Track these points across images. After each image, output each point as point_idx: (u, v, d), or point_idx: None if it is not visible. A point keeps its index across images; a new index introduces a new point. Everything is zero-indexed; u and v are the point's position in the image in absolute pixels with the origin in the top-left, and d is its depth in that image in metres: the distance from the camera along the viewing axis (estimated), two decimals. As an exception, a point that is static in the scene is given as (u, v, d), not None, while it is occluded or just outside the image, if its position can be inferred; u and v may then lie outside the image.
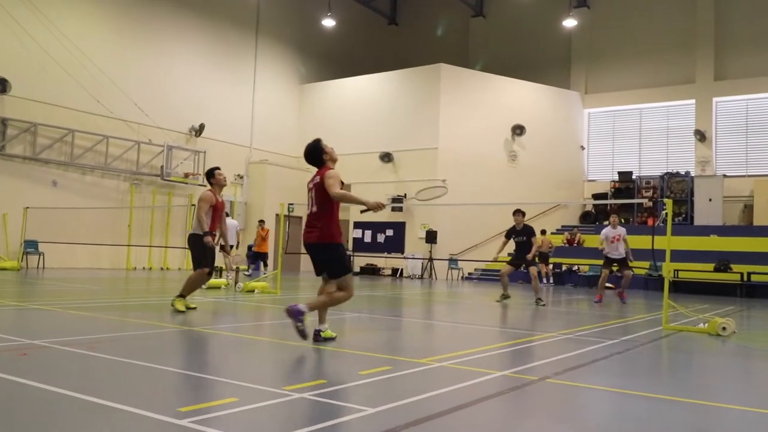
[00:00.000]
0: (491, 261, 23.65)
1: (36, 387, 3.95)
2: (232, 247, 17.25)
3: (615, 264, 13.61)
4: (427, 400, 4.03)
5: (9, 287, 12.16)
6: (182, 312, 8.34)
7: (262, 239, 18.92)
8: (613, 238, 13.37)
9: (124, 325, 7.22)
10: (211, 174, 8.97)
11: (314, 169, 6.38)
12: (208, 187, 8.97)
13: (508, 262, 12.98)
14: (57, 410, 3.52)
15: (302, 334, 5.91)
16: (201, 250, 8.54)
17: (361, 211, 6.28)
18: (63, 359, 5.00)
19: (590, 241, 23.62)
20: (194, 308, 8.76)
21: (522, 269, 13.50)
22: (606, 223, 15.36)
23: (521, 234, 12.49)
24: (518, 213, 12.63)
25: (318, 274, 6.41)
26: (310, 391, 4.09)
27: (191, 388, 4.27)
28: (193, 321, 8.10)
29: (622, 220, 25.86)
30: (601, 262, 14.30)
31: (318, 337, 6.22)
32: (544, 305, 12.09)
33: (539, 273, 15.51)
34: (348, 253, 24.68)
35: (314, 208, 6.22)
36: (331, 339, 6.31)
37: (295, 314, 5.86)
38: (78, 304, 9.05)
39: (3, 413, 3.43)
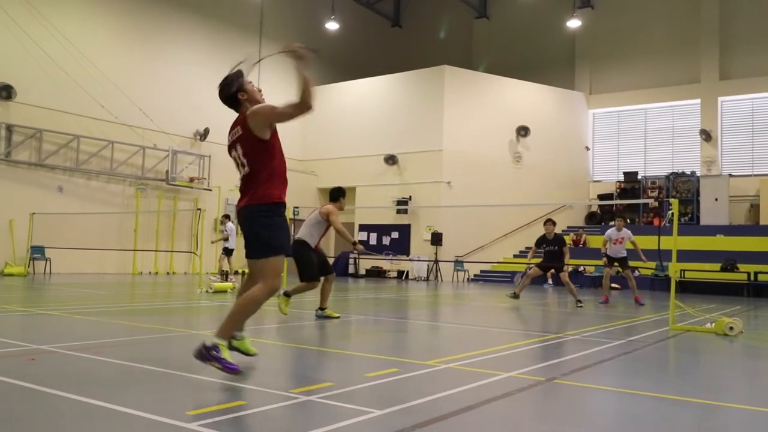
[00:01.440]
0: (498, 262, 23.72)
1: (44, 392, 3.96)
2: (232, 251, 17.35)
3: (616, 263, 13.57)
4: (434, 402, 4.02)
5: (16, 293, 12.21)
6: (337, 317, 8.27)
7: None
8: (617, 240, 13.34)
9: (130, 329, 7.23)
10: (342, 194, 8.85)
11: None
12: (329, 202, 8.76)
13: (537, 265, 12.87)
14: (65, 415, 3.53)
15: (228, 370, 4.33)
16: (309, 260, 8.38)
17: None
18: (70, 364, 5.01)
19: (596, 241, 23.59)
20: (338, 317, 8.48)
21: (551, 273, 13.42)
22: (612, 223, 15.30)
23: (553, 243, 12.36)
24: (550, 223, 12.54)
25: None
26: (317, 393, 4.09)
27: (199, 392, 4.28)
28: (200, 325, 8.12)
29: (628, 221, 25.80)
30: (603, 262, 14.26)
31: (230, 346, 4.70)
32: (582, 306, 12.01)
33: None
34: (353, 255, 24.91)
35: (246, 169, 4.76)
36: (249, 354, 4.93)
37: (206, 357, 4.33)
38: (85, 309, 9.07)
39: (11, 418, 3.44)
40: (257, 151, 4.67)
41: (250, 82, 4.98)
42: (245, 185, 4.75)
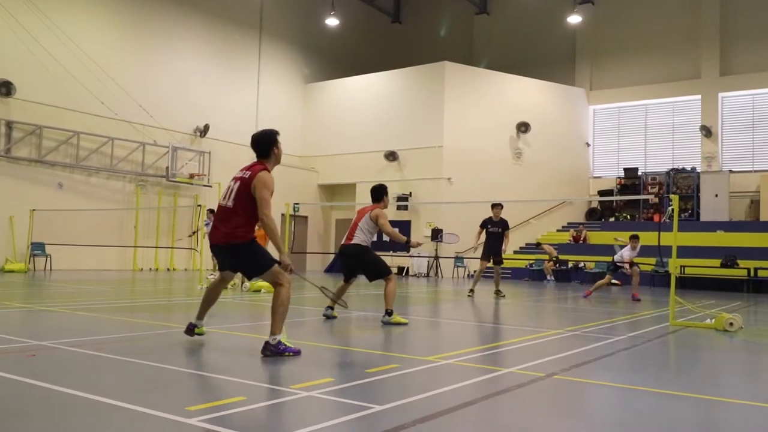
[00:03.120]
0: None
1: (45, 387, 3.97)
2: None
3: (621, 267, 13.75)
4: (434, 398, 4.03)
5: (17, 289, 12.22)
6: (406, 323, 7.99)
7: (262, 239, 18.87)
8: (629, 256, 13.50)
9: (131, 325, 7.24)
10: (385, 191, 8.47)
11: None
12: (373, 203, 8.42)
13: (481, 258, 13.61)
14: (66, 410, 3.54)
15: (294, 353, 5.33)
16: (376, 259, 8.32)
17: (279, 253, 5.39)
18: (71, 360, 5.02)
19: (596, 238, 23.60)
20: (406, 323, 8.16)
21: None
22: (618, 239, 15.32)
23: (497, 225, 13.24)
24: (498, 206, 13.33)
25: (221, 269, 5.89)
26: (317, 389, 4.10)
27: (199, 388, 4.29)
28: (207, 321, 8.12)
29: (627, 217, 25.83)
30: (608, 259, 14.32)
31: (191, 332, 5.98)
32: (504, 296, 12.89)
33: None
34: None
35: (230, 203, 5.46)
36: (201, 335, 6.05)
37: (275, 352, 5.28)
38: (85, 306, 9.08)
39: (13, 413, 3.45)
40: (244, 199, 5.41)
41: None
42: (223, 216, 5.52)
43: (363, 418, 3.47)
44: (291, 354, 5.29)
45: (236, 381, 4.39)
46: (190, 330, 6.02)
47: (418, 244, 8.86)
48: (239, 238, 5.37)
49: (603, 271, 20.62)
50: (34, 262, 18.72)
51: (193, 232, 17.62)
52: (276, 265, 5.39)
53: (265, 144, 5.64)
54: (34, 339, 5.88)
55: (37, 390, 3.93)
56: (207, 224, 17.52)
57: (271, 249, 5.77)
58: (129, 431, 3.20)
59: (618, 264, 13.72)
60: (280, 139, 5.74)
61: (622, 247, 13.96)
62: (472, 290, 13.49)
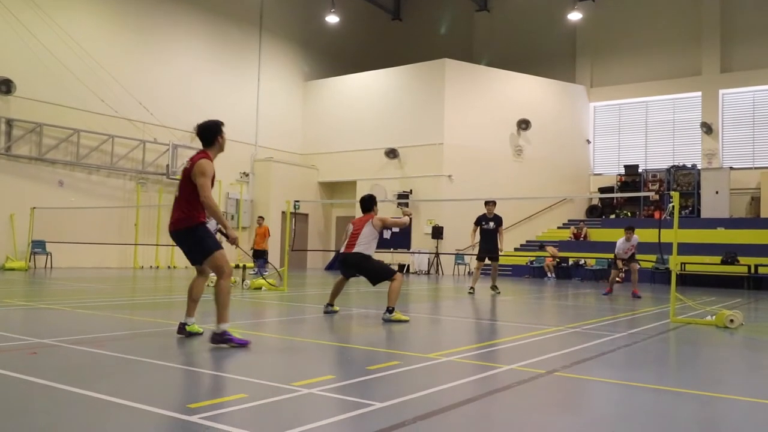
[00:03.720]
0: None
1: (46, 385, 3.98)
2: None
3: (623, 261, 13.74)
4: (435, 395, 4.04)
5: (17, 287, 12.23)
6: (407, 321, 8.03)
7: (261, 237, 18.81)
8: (627, 250, 13.50)
9: (132, 323, 7.25)
10: (374, 202, 8.64)
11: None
12: (365, 214, 8.51)
13: (478, 258, 13.76)
14: (67, 408, 3.54)
15: (240, 344, 5.59)
16: (377, 264, 8.49)
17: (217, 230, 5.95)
18: (72, 357, 5.03)
19: (596, 235, 23.60)
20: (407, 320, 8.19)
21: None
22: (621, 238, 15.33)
23: (491, 221, 13.29)
24: (491, 203, 13.40)
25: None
26: (318, 386, 4.10)
27: (200, 385, 4.29)
28: (200, 319, 8.13)
29: (628, 214, 25.82)
30: (609, 256, 14.34)
31: (182, 331, 6.07)
32: (499, 293, 13.09)
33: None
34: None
35: (177, 193, 5.96)
36: (198, 334, 6.07)
37: (219, 341, 5.60)
38: (86, 303, 9.09)
39: (14, 411, 3.45)
40: (188, 186, 5.81)
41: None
42: (174, 205, 5.95)
43: (364, 415, 3.47)
44: (236, 345, 5.54)
45: (237, 378, 4.39)
46: (182, 329, 6.07)
47: (410, 213, 9.18)
48: (186, 222, 5.75)
49: (604, 268, 20.69)
50: (35, 260, 18.74)
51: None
52: (222, 250, 5.76)
53: (209, 133, 5.95)
54: (35, 337, 5.88)
55: (38, 388, 3.93)
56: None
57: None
58: (130, 429, 3.20)
59: (619, 257, 13.72)
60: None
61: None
62: (472, 288, 13.52)
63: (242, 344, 5.59)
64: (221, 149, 6.05)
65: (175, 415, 3.34)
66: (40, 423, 3.22)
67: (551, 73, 27.21)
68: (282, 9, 27.41)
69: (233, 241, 5.82)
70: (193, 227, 5.77)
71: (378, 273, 8.38)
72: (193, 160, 5.85)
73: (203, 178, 5.68)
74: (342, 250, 8.48)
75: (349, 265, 8.38)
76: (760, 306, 12.57)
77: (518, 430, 3.43)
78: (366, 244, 8.30)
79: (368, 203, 8.61)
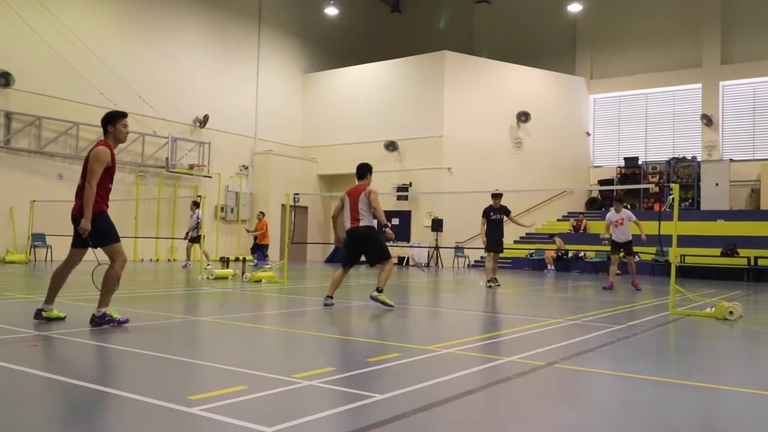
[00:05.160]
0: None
1: (46, 377, 3.98)
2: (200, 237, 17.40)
3: (622, 248, 13.54)
4: (435, 386, 4.04)
5: (18, 280, 12.24)
6: (391, 306, 8.31)
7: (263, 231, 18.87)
8: (617, 222, 13.31)
9: (132, 315, 7.24)
10: (369, 170, 8.66)
11: None
12: (359, 181, 8.64)
13: (487, 250, 13.64)
14: (67, 400, 3.55)
15: (120, 323, 6.03)
16: (382, 242, 8.64)
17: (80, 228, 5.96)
18: (72, 350, 5.03)
19: (596, 227, 23.59)
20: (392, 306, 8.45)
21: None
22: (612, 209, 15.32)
23: (498, 212, 13.45)
24: (497, 196, 13.56)
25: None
26: (318, 378, 4.11)
27: (200, 377, 4.30)
28: (201, 311, 8.15)
29: (627, 206, 25.78)
30: (607, 248, 14.31)
31: (39, 316, 6.21)
32: (498, 285, 13.07)
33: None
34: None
35: (80, 180, 6.09)
36: (60, 319, 6.24)
37: (99, 323, 5.95)
38: (86, 296, 9.10)
39: (15, 403, 3.46)
40: (84, 173, 5.95)
41: (127, 126, 6.33)
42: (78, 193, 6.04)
43: (364, 407, 3.48)
44: (116, 324, 5.96)
45: (237, 370, 4.40)
46: (38, 314, 6.21)
47: (391, 237, 8.89)
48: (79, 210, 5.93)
49: (603, 260, 20.69)
50: (35, 253, 18.75)
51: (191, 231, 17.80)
52: (118, 243, 6.09)
53: (105, 122, 6.20)
54: (35, 330, 5.89)
55: (38, 380, 3.94)
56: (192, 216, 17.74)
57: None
58: (131, 421, 3.21)
59: (616, 242, 13.38)
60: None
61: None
62: (489, 281, 13.24)
63: (122, 323, 6.00)
64: (118, 139, 6.22)
65: (176, 407, 3.35)
66: (40, 415, 3.23)
67: (551, 65, 27.14)
68: (281, 1, 27.31)
69: (83, 231, 5.90)
70: (94, 215, 5.91)
71: (380, 252, 8.55)
72: (91, 149, 6.04)
73: (95, 164, 5.85)
74: (348, 226, 8.54)
75: (356, 237, 8.46)
76: (760, 298, 12.58)
77: (518, 421, 3.44)
78: (367, 217, 8.47)
79: (362, 170, 8.77)
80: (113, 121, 6.17)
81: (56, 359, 4.64)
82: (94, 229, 5.94)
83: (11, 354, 4.74)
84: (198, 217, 17.42)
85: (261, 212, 19.51)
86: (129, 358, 4.74)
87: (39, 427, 3.07)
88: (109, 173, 6.02)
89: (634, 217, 13.43)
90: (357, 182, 8.68)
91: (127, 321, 6.08)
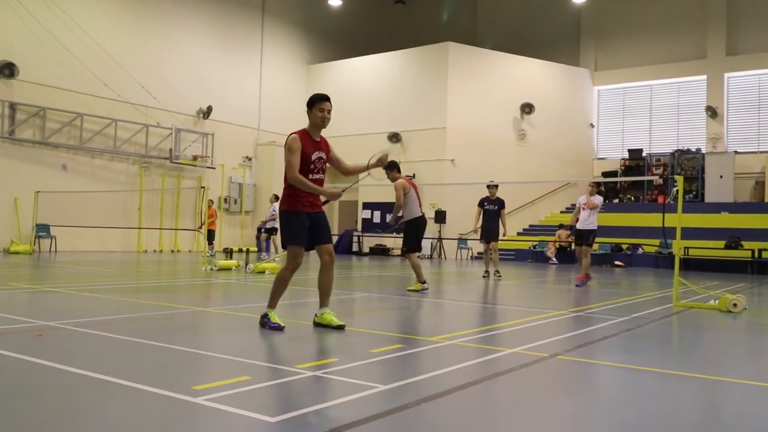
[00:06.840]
0: (501, 240, 23.68)
1: (52, 367, 4.00)
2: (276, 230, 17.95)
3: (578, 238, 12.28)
4: (438, 378, 4.06)
5: (22, 270, 12.29)
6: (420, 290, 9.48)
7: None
8: (584, 204, 12.43)
9: (137, 306, 7.28)
10: (394, 166, 10.11)
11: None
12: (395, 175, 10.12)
13: (481, 239, 13.81)
14: (73, 390, 3.57)
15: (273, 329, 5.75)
16: (414, 234, 9.90)
17: None
18: (78, 340, 5.06)
19: (599, 219, 23.43)
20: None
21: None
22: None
23: (493, 203, 13.50)
24: (493, 187, 13.62)
25: None
26: (322, 369, 4.13)
27: (204, 367, 4.32)
28: (206, 302, 8.18)
29: (631, 198, 25.76)
30: (611, 240, 14.27)
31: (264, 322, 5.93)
32: (500, 277, 13.22)
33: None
34: (356, 233, 24.94)
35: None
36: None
37: (261, 323, 5.76)
38: (91, 287, 9.13)
39: (21, 393, 3.48)
40: None
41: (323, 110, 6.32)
42: None
43: (367, 397, 3.49)
44: (268, 328, 5.67)
45: (241, 361, 4.42)
46: (263, 320, 5.80)
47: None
48: None
49: (607, 252, 20.68)
50: (39, 244, 18.80)
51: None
52: (293, 246, 5.80)
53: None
54: (40, 319, 5.92)
55: (44, 369, 3.96)
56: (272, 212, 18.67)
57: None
58: (136, 410, 3.22)
59: (579, 230, 12.40)
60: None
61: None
62: (487, 271, 13.46)
63: (273, 328, 5.63)
64: (315, 125, 6.28)
65: (181, 396, 3.37)
66: (46, 404, 3.25)
67: (555, 57, 27.03)
68: (284, -8, 27.22)
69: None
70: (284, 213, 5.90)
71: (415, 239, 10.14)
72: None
73: (285, 153, 6.01)
74: (419, 213, 10.20)
75: (424, 225, 10.27)
76: (764, 290, 12.57)
77: (521, 413, 3.45)
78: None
79: (388, 166, 9.97)
80: (308, 105, 6.14)
81: (62, 349, 4.67)
82: (282, 227, 5.85)
83: (18, 343, 4.76)
84: (274, 210, 18.53)
85: (210, 200, 19.96)
86: (133, 348, 4.76)
87: (45, 415, 3.09)
88: (306, 161, 5.92)
89: (599, 203, 12.48)
90: (402, 175, 10.35)
91: (280, 328, 5.60)
